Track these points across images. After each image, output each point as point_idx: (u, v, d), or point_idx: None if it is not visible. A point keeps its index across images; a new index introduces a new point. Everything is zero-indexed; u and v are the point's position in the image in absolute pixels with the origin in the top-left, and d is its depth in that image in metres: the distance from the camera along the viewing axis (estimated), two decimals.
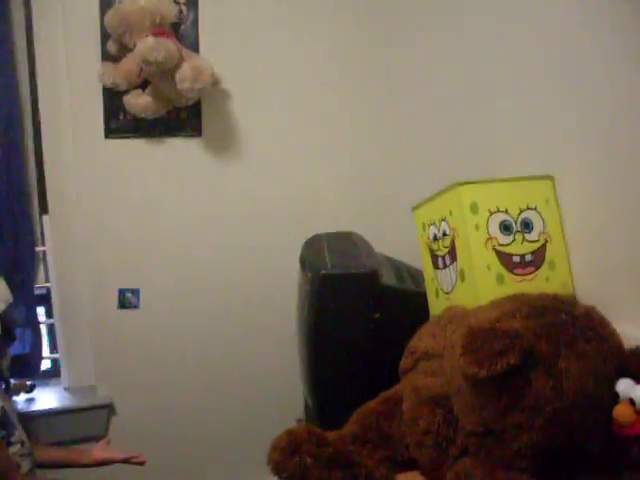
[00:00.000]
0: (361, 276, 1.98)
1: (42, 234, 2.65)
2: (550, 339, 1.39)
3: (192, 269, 2.74)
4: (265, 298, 2.82)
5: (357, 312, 1.98)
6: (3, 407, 1.84)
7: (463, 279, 1.88)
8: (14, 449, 1.83)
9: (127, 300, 2.65)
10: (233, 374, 2.84)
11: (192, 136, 2.66)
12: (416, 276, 2.21)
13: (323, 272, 1.96)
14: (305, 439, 1.72)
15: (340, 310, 1.97)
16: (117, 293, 2.65)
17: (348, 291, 1.97)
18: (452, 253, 1.92)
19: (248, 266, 2.80)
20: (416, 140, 2.73)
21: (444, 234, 1.95)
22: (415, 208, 2.10)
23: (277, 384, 2.86)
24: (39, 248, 2.64)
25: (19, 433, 1.88)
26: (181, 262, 2.72)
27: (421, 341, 1.84)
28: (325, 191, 2.87)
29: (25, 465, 1.87)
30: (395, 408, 1.77)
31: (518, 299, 1.56)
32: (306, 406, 2.31)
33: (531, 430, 1.38)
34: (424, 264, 2.08)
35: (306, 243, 2.36)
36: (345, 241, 2.30)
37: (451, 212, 1.90)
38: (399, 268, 2.23)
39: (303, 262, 2.20)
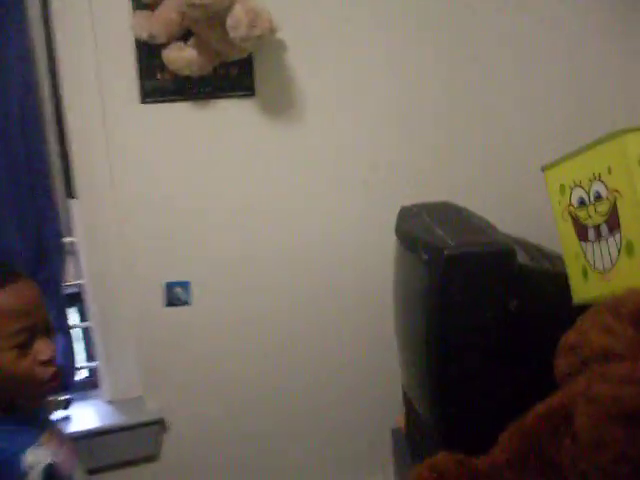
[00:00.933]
0: (496, 255, 1.56)
1: (69, 223, 2.22)
2: None
3: (253, 256, 2.31)
4: (343, 288, 2.40)
5: (491, 301, 1.56)
6: (50, 464, 1.36)
7: (631, 253, 1.46)
8: None
9: (176, 296, 2.23)
10: (306, 380, 2.42)
11: (245, 96, 2.21)
12: (545, 252, 1.80)
13: (447, 252, 1.53)
14: (454, 474, 1.32)
15: (469, 299, 1.55)
16: (164, 288, 2.22)
17: (480, 275, 1.55)
18: (612, 221, 1.50)
19: (322, 251, 2.37)
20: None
21: (598, 197, 1.53)
22: (548, 168, 1.68)
23: (360, 392, 2.45)
24: (67, 239, 2.21)
25: None
26: (239, 248, 2.29)
27: (589, 336, 1.42)
28: (408, 157, 2.42)
29: None
30: (562, 425, 1.35)
31: None
32: (414, 422, 1.89)
33: None
34: (562, 236, 1.66)
35: (400, 218, 1.95)
36: (452, 213, 1.89)
37: (610, 169, 1.49)
38: (521, 243, 1.82)
39: (410, 241, 1.78)
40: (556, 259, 1.75)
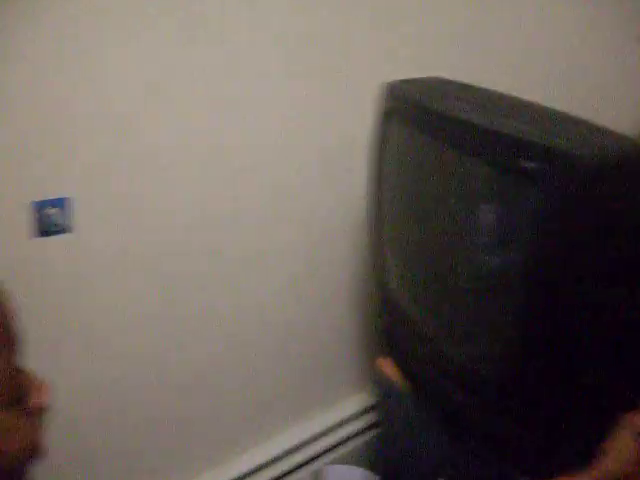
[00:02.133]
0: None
1: None
2: None
3: (159, 155, 1.60)
4: (287, 199, 1.82)
5: (632, 225, 1.13)
6: None
7: None
8: None
9: (50, 220, 1.49)
10: (228, 335, 1.84)
11: None
12: None
13: (584, 162, 1.06)
14: None
15: (608, 226, 1.10)
16: (31, 210, 1.47)
17: (624, 189, 1.10)
18: None
19: (249, 150, 1.74)
20: None
21: None
22: None
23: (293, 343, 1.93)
24: None
25: None
26: (143, 145, 1.57)
27: None
28: None
29: None
30: None
31: None
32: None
33: None
34: None
35: (393, 97, 1.43)
36: (487, 94, 1.42)
37: None
38: None
39: (468, 135, 1.26)
40: None
